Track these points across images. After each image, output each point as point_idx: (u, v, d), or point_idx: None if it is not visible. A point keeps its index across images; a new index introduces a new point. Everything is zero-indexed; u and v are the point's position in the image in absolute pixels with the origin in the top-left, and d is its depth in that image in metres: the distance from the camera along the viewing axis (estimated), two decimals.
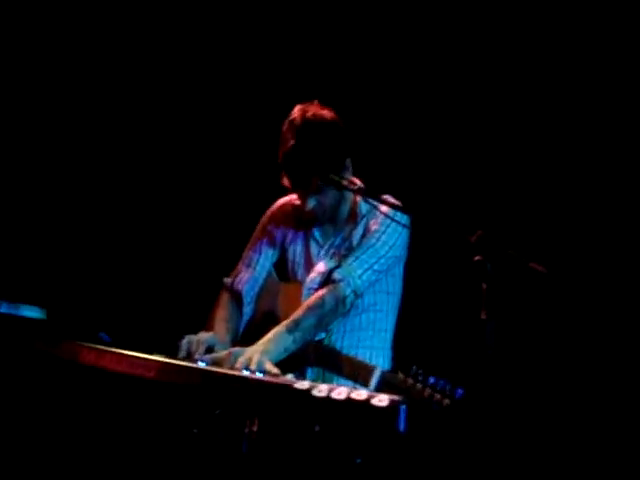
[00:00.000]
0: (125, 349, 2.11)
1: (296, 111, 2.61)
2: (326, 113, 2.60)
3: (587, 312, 3.20)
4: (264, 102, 3.70)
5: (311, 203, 2.60)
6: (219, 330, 2.59)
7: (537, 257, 2.07)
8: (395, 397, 1.78)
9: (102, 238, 3.83)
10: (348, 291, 2.54)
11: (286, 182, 2.62)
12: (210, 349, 2.37)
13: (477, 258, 2.05)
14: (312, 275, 2.63)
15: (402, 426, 1.75)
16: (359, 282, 2.56)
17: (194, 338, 2.37)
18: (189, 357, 2.33)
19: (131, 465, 2.19)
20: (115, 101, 3.85)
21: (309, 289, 2.60)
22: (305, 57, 3.69)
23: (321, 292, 2.53)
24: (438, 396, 2.25)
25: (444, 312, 3.38)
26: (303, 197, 2.62)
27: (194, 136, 3.86)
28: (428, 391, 2.26)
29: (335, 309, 2.52)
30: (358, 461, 2.35)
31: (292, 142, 2.54)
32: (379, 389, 2.34)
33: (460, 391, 2.24)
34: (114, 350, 2.08)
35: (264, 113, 3.61)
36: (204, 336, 2.38)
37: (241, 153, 3.80)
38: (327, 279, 2.57)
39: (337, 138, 2.59)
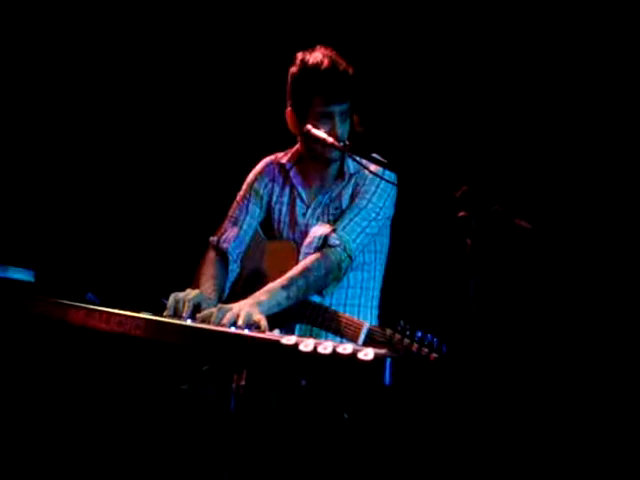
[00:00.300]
0: (113, 309, 2.12)
1: (316, 48, 2.62)
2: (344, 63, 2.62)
3: (571, 269, 3.22)
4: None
5: (341, 129, 2.58)
6: (206, 288, 2.61)
7: (522, 213, 2.08)
8: (380, 351, 1.79)
9: (89, 198, 3.82)
10: (344, 256, 2.57)
11: (318, 107, 2.57)
12: (197, 307, 2.38)
13: (462, 214, 2.06)
14: (308, 239, 2.64)
15: (388, 379, 1.76)
16: (353, 246, 2.59)
17: (181, 296, 2.38)
18: (176, 315, 2.35)
19: (121, 422, 2.22)
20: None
21: (305, 253, 2.61)
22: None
23: (318, 255, 2.55)
24: (426, 350, 2.27)
25: (429, 268, 3.40)
26: (334, 124, 2.58)
27: (184, 97, 3.83)
28: (416, 345, 2.28)
29: (331, 273, 2.55)
30: (345, 416, 2.38)
31: (328, 60, 2.57)
32: (367, 345, 2.37)
33: (445, 347, 2.27)
34: (102, 309, 2.09)
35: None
36: (191, 294, 2.39)
37: (228, 111, 3.78)
38: (323, 243, 2.59)
39: (350, 82, 2.61)
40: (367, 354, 1.77)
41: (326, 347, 1.80)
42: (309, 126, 2.58)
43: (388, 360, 1.76)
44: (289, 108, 2.68)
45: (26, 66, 3.75)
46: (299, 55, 2.64)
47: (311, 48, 2.64)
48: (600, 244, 3.21)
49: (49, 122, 3.81)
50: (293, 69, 2.65)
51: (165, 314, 2.35)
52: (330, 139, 2.51)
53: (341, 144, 2.51)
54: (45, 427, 2.37)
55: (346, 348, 1.79)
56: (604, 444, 3.10)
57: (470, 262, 2.03)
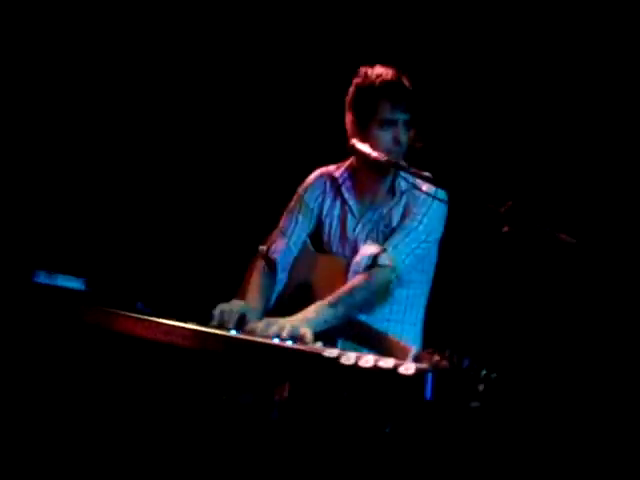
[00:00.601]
0: (161, 318, 2.15)
1: (379, 66, 2.68)
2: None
3: (616, 285, 3.18)
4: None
5: (404, 136, 2.64)
6: (252, 297, 2.64)
7: (567, 229, 2.07)
8: (422, 365, 1.80)
9: (140, 208, 3.88)
10: (392, 277, 2.57)
11: (383, 113, 2.62)
12: (242, 318, 2.40)
13: (506, 229, 2.06)
14: (357, 258, 2.64)
15: (429, 394, 1.77)
16: (402, 267, 2.59)
17: (227, 307, 2.41)
18: (222, 326, 2.37)
19: (163, 431, 2.25)
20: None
21: (354, 271, 2.61)
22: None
23: (367, 275, 2.55)
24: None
25: (473, 283, 3.38)
26: (396, 132, 2.63)
27: (235, 105, 3.87)
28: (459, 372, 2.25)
29: (380, 293, 2.56)
30: (387, 430, 2.38)
31: (393, 73, 2.64)
32: None
33: (493, 376, 2.25)
34: (150, 318, 2.13)
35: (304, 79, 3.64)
36: (236, 305, 2.42)
37: (284, 124, 3.79)
38: (373, 262, 2.58)
39: (414, 99, 2.67)
40: (408, 368, 1.78)
41: (367, 360, 1.82)
42: (354, 140, 2.60)
43: (430, 375, 1.77)
44: (350, 118, 2.71)
45: (36, 65, 3.76)
46: (363, 69, 2.70)
47: (372, 65, 2.70)
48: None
49: (101, 130, 3.87)
50: (357, 80, 2.71)
51: (211, 325, 2.38)
52: (374, 154, 2.53)
53: (385, 159, 2.52)
54: (89, 435, 2.42)
55: (387, 362, 1.81)
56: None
57: (516, 277, 2.03)
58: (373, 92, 2.63)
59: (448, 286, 2.98)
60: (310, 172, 2.92)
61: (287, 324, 2.25)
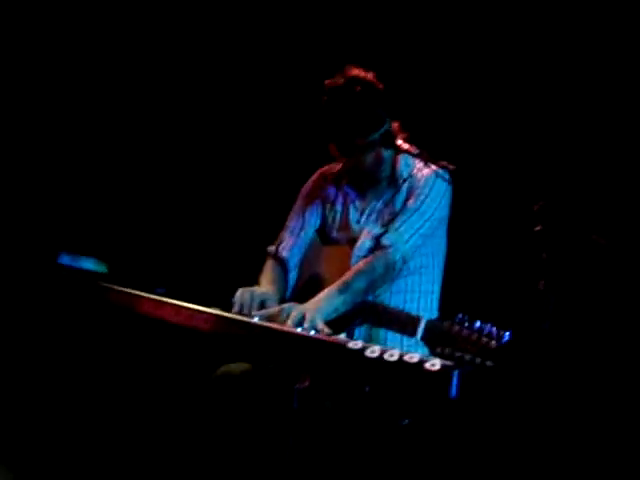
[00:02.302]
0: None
1: (335, 77, 2.62)
2: (369, 75, 2.61)
3: None
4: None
5: (369, 159, 2.61)
6: (268, 289, 2.61)
7: (600, 230, 2.04)
8: (448, 362, 1.77)
9: (162, 196, 3.88)
10: (397, 256, 2.56)
11: (333, 150, 2.64)
12: (262, 304, 2.40)
13: (538, 228, 2.04)
14: (360, 241, 2.64)
15: (454, 391, 1.74)
16: (407, 247, 2.58)
17: (247, 292, 2.41)
18: (242, 311, 2.37)
19: (184, 413, 2.25)
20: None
21: (358, 256, 2.61)
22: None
23: (371, 257, 2.55)
24: (485, 339, 2.22)
25: (503, 281, 3.35)
26: (358, 156, 2.61)
27: (242, 104, 3.87)
28: (475, 335, 2.24)
29: (384, 274, 2.55)
30: (405, 422, 2.36)
31: (330, 110, 2.57)
32: (425, 338, 2.35)
33: (507, 334, 2.22)
34: (173, 302, 2.12)
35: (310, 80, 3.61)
36: (258, 290, 2.41)
37: (285, 125, 3.79)
38: (376, 245, 2.59)
39: (372, 99, 2.57)
40: (434, 364, 1.75)
41: (393, 354, 1.79)
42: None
43: (455, 372, 1.74)
44: None
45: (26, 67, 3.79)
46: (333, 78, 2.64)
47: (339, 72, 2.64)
48: None
49: (122, 121, 3.88)
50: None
51: (232, 310, 2.37)
52: (405, 146, 2.51)
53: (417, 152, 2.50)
54: (110, 411, 2.43)
55: (413, 357, 1.77)
56: None
57: (545, 277, 1.99)
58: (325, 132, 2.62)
59: (473, 278, 2.95)
60: (314, 171, 2.93)
61: (307, 312, 2.23)
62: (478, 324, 2.24)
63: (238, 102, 3.86)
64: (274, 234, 2.87)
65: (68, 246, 2.48)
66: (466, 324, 2.26)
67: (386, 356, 1.79)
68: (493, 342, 2.20)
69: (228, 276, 2.72)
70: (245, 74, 3.86)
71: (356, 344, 1.84)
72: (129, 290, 2.22)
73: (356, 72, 2.61)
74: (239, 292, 2.42)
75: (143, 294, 2.18)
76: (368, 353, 1.80)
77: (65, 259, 2.42)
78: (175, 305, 2.10)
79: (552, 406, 2.77)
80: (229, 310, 2.35)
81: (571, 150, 3.35)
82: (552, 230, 2.02)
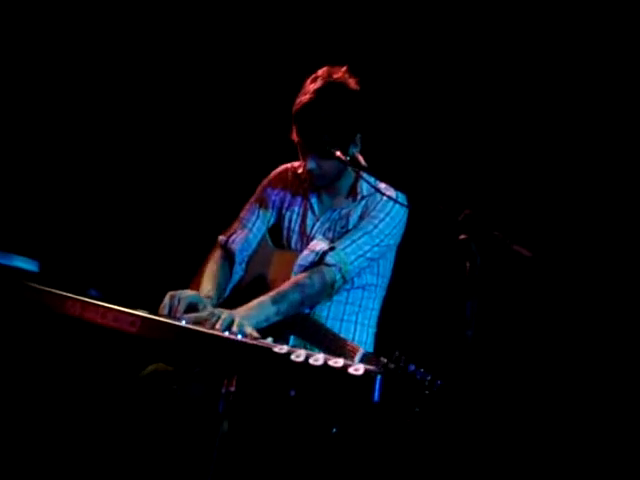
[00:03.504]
0: (112, 304, 2.13)
1: (323, 70, 2.61)
2: (351, 81, 2.60)
3: (569, 298, 3.23)
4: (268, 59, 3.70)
5: (312, 164, 2.61)
6: (206, 285, 2.63)
7: (523, 240, 2.09)
8: (371, 367, 1.80)
9: (97, 193, 3.84)
10: (338, 277, 2.57)
11: (294, 136, 2.62)
12: (193, 306, 2.39)
13: (462, 237, 2.08)
14: (305, 252, 2.64)
15: (377, 396, 1.77)
16: (350, 268, 2.59)
17: (176, 295, 2.40)
18: (170, 313, 2.36)
19: (111, 416, 2.23)
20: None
21: (300, 265, 2.61)
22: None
23: (311, 272, 2.55)
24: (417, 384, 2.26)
25: (428, 289, 3.41)
26: (306, 156, 2.62)
27: (198, 94, 3.85)
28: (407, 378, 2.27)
29: (322, 291, 2.56)
30: (334, 431, 2.39)
31: (310, 97, 2.54)
32: None
33: (439, 382, 2.26)
34: (99, 303, 2.10)
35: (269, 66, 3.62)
36: (186, 293, 2.41)
37: (247, 113, 3.78)
38: (319, 259, 2.58)
39: (355, 109, 2.58)
40: (358, 369, 1.78)
41: (317, 359, 1.81)
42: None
43: (378, 377, 1.77)
44: None
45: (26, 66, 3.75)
46: (319, 70, 2.64)
47: (338, 67, 2.63)
48: (600, 276, 3.22)
49: (62, 116, 3.83)
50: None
51: (160, 312, 2.36)
52: (337, 153, 2.52)
53: (347, 159, 2.52)
54: (38, 416, 2.39)
55: (337, 362, 1.80)
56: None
57: (468, 285, 2.04)
58: (293, 113, 2.60)
59: (404, 292, 3.00)
60: (275, 167, 2.92)
61: (235, 317, 2.24)
62: (412, 367, 2.26)
63: (192, 95, 3.84)
64: (214, 229, 2.85)
65: None
66: (401, 364, 2.28)
67: (311, 360, 1.81)
68: (425, 391, 2.23)
69: (165, 279, 2.70)
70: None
71: (282, 348, 1.86)
72: (55, 291, 2.19)
73: (346, 75, 2.59)
74: (167, 295, 2.41)
75: (69, 295, 2.16)
76: (294, 357, 1.82)
77: None
78: (101, 306, 2.08)
79: (473, 413, 2.83)
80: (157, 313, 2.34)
81: (495, 158, 3.42)
82: (476, 239, 2.06)
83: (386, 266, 2.76)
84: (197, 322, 2.25)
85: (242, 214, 2.85)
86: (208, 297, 2.54)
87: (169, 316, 2.33)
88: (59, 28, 3.76)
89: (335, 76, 2.57)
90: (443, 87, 3.52)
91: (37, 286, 2.26)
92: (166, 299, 2.39)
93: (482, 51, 3.47)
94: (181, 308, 2.36)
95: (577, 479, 3.17)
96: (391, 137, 3.49)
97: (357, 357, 2.42)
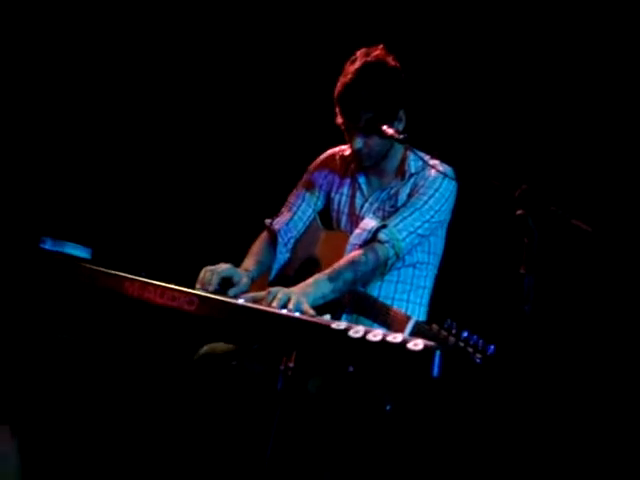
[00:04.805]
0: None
1: (360, 51, 2.63)
2: (390, 59, 2.62)
3: (630, 274, 3.17)
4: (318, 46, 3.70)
5: (358, 143, 2.62)
6: (247, 261, 2.69)
7: (582, 216, 2.06)
8: (430, 342, 1.79)
9: (152, 182, 3.87)
10: (391, 253, 2.57)
11: (338, 119, 2.63)
12: (229, 280, 2.44)
13: (519, 212, 2.05)
14: (357, 231, 2.65)
15: (436, 371, 1.76)
16: (402, 245, 2.58)
17: (209, 270, 2.45)
18: (203, 287, 2.41)
19: (170, 394, 2.25)
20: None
21: (353, 244, 2.62)
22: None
23: (365, 250, 2.55)
24: (470, 350, 2.26)
25: (485, 265, 3.37)
26: (352, 136, 2.63)
27: (251, 79, 3.85)
28: (460, 345, 2.26)
29: (375, 268, 2.56)
30: (388, 408, 2.38)
31: (350, 77, 2.56)
32: None
33: (492, 347, 2.25)
34: (157, 283, 2.12)
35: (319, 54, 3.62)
36: (221, 267, 2.45)
37: (298, 101, 3.78)
38: (372, 237, 2.59)
39: (395, 85, 2.59)
40: (417, 344, 1.77)
41: (376, 335, 1.81)
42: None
43: (438, 352, 1.76)
44: None
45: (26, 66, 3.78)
46: (349, 61, 2.63)
47: (374, 47, 2.64)
48: None
49: (106, 107, 3.86)
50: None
51: (196, 286, 2.41)
52: (390, 131, 2.52)
53: (401, 137, 2.52)
54: (95, 395, 2.43)
55: (396, 337, 1.79)
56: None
57: (526, 261, 2.01)
58: (335, 96, 2.61)
59: (459, 269, 2.97)
60: (324, 151, 2.93)
61: (292, 295, 2.25)
62: (466, 334, 2.25)
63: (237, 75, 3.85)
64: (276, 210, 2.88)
65: (51, 231, 2.47)
66: (454, 331, 2.28)
67: (369, 336, 1.81)
68: (478, 355, 2.22)
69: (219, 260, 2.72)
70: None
71: (340, 324, 1.85)
72: (114, 272, 2.22)
73: (384, 54, 2.60)
74: (203, 270, 2.47)
75: (127, 275, 2.19)
76: (352, 333, 1.82)
77: (48, 244, 2.42)
78: (159, 286, 2.11)
79: (533, 392, 2.81)
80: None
81: (554, 135, 3.37)
82: (533, 215, 2.04)
83: (437, 243, 2.75)
84: (255, 300, 2.27)
85: (289, 198, 2.88)
86: (246, 270, 2.59)
87: (202, 289, 2.37)
88: (62, 28, 3.78)
89: (373, 55, 2.60)
90: (489, 54, 3.47)
91: (95, 267, 2.29)
92: (201, 273, 2.42)
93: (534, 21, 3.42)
94: (214, 281, 2.40)
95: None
96: (442, 112, 3.46)
97: (409, 326, 2.41)
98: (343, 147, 2.85)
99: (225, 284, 2.44)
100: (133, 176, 3.88)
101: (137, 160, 3.88)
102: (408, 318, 2.45)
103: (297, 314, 2.02)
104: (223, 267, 2.48)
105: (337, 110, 2.62)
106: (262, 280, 2.72)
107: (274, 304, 2.23)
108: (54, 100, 3.78)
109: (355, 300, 2.56)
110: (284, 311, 2.08)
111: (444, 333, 2.31)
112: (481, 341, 2.25)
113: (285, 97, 3.80)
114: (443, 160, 2.53)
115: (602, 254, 3.09)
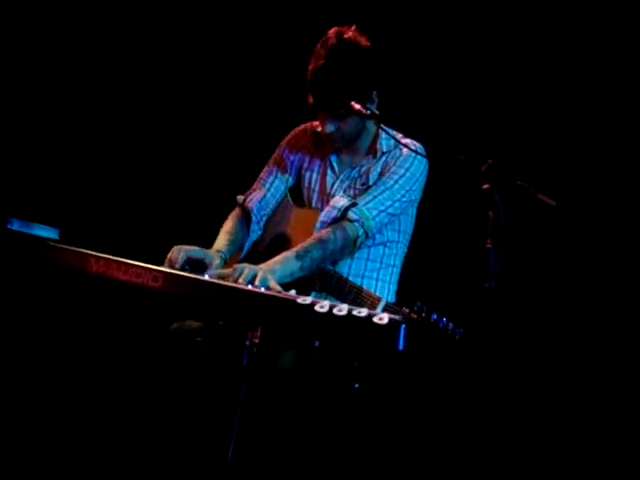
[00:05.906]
0: None
1: (332, 31, 2.59)
2: (362, 39, 2.59)
3: (593, 247, 3.19)
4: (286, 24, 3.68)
5: (330, 127, 2.60)
6: (220, 240, 2.66)
7: (547, 190, 2.07)
8: (395, 316, 1.80)
9: (119, 160, 3.84)
10: (360, 232, 2.57)
11: (310, 100, 2.61)
12: (198, 261, 2.45)
13: (485, 187, 2.06)
14: (327, 209, 2.64)
15: (401, 345, 1.77)
16: (372, 223, 2.58)
17: (176, 248, 2.45)
18: (170, 265, 2.41)
19: (135, 371, 2.25)
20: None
21: (322, 222, 2.61)
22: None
23: (334, 228, 2.55)
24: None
25: (450, 240, 3.39)
26: (323, 119, 2.61)
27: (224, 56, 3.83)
28: (430, 327, 2.26)
29: (344, 247, 2.56)
30: (357, 386, 2.39)
31: (322, 60, 2.53)
32: None
33: (460, 331, 2.26)
34: (122, 260, 2.11)
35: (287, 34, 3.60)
36: (188, 247, 2.45)
37: (267, 78, 3.76)
38: (342, 215, 2.58)
39: (368, 66, 2.57)
40: (382, 318, 1.78)
41: (341, 309, 1.81)
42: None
43: (403, 326, 1.77)
44: None
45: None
46: (329, 31, 2.61)
47: (347, 27, 2.61)
48: (622, 225, 3.18)
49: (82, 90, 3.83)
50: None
51: (165, 264, 2.41)
52: (363, 111, 2.50)
53: (368, 113, 2.50)
54: (62, 374, 2.42)
55: (361, 311, 1.80)
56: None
57: (492, 235, 2.02)
58: (307, 78, 2.58)
59: (426, 246, 2.98)
60: (295, 126, 2.91)
61: (259, 272, 2.25)
62: (435, 317, 2.25)
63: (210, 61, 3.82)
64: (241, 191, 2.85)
65: (18, 212, 2.45)
66: (423, 314, 2.28)
67: (335, 311, 1.81)
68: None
69: (189, 238, 2.71)
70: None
71: (305, 299, 1.86)
72: (78, 249, 2.20)
73: (357, 34, 2.57)
74: (172, 248, 2.47)
75: (92, 252, 2.17)
76: (317, 308, 1.82)
77: (15, 225, 2.39)
78: (123, 263, 2.09)
79: (500, 369, 2.83)
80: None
81: (519, 110, 3.38)
82: (499, 189, 2.04)
83: (407, 222, 2.75)
84: (221, 277, 2.26)
85: (261, 175, 2.86)
86: (218, 251, 2.57)
87: (169, 267, 2.37)
88: (62, 28, 3.76)
89: (345, 36, 2.56)
90: (454, 32, 3.47)
91: (59, 245, 2.27)
92: (170, 253, 2.43)
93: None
94: (180, 259, 2.41)
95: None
96: (410, 91, 3.45)
97: (379, 307, 2.42)
98: (315, 123, 2.83)
99: (198, 267, 2.42)
100: (102, 155, 3.85)
101: (105, 138, 3.85)
102: (379, 300, 2.45)
103: (262, 290, 2.02)
104: (190, 247, 2.47)
105: (309, 92, 2.60)
106: (234, 260, 2.71)
107: (240, 280, 2.22)
108: (20, 83, 3.74)
109: (325, 279, 2.55)
110: (249, 287, 2.07)
111: (413, 315, 2.32)
112: (451, 324, 2.26)
113: (256, 72, 3.78)
114: (413, 136, 2.52)
115: (568, 229, 3.11)
